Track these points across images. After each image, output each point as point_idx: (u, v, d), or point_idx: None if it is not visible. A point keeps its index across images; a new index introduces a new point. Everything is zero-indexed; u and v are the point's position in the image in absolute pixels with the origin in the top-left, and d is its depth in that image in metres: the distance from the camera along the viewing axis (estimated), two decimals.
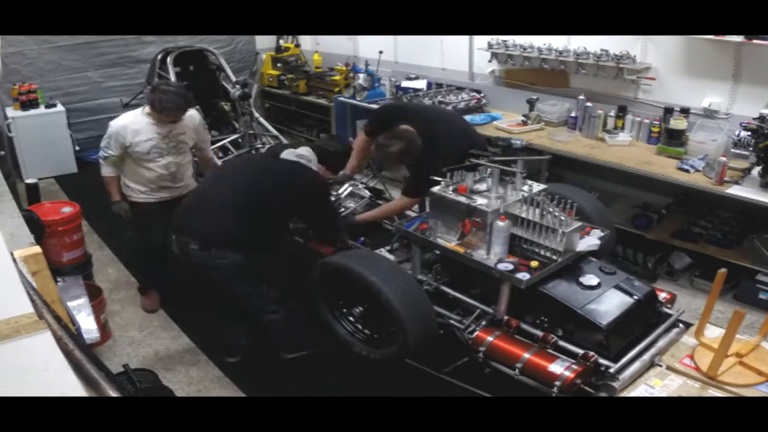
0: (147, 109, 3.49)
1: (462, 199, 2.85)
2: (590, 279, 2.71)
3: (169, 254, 3.56)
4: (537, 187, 2.95)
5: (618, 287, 2.71)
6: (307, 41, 7.49)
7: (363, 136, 3.83)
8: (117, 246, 4.70)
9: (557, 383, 2.43)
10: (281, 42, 7.38)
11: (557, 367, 2.47)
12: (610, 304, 2.62)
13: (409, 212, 3.81)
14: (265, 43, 7.56)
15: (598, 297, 2.64)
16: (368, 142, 3.85)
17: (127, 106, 5.45)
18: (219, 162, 4.31)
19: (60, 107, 6.20)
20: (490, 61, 5.50)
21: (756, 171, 3.65)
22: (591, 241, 2.85)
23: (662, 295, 2.88)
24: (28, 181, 4.26)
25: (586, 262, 2.86)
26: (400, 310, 2.74)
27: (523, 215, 2.76)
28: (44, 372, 1.12)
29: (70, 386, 1.09)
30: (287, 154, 3.14)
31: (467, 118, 4.61)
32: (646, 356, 2.51)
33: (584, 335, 2.57)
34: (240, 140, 4.96)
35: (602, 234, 2.93)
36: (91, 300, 3.05)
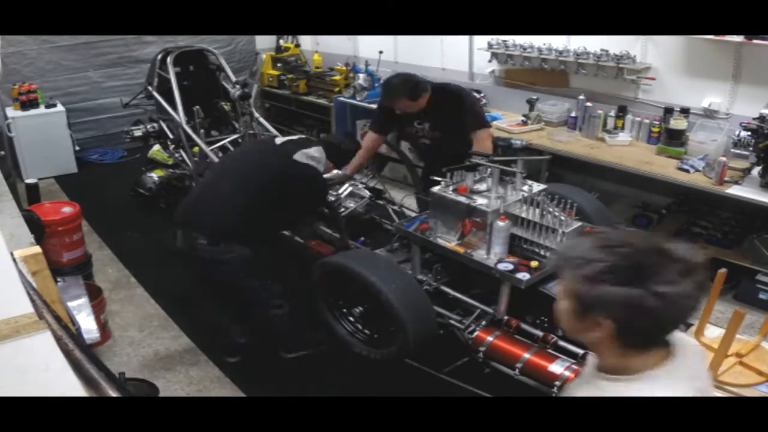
0: None
1: (462, 199, 2.85)
2: None
3: None
4: (537, 187, 2.95)
5: None
6: (307, 41, 7.49)
7: (373, 135, 3.81)
8: (117, 246, 4.70)
9: (557, 383, 2.43)
10: (281, 42, 7.38)
11: (557, 367, 2.47)
12: None
13: (409, 212, 3.81)
14: (265, 43, 7.56)
15: None
16: (377, 141, 3.84)
17: (127, 106, 5.47)
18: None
19: (60, 107, 6.20)
20: (490, 61, 5.49)
21: (756, 171, 3.65)
22: None
23: None
24: (28, 181, 4.26)
25: None
26: (400, 310, 2.74)
27: (523, 215, 2.76)
28: (44, 372, 1.12)
29: (70, 386, 1.09)
30: (300, 156, 3.09)
31: None
32: None
33: None
34: (240, 140, 4.95)
35: None
36: (91, 300, 3.05)
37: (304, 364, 3.27)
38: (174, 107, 4.79)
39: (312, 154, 3.14)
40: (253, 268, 3.03)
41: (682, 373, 1.24)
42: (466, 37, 5.61)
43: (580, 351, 2.50)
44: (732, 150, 3.87)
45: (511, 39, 5.12)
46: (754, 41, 3.74)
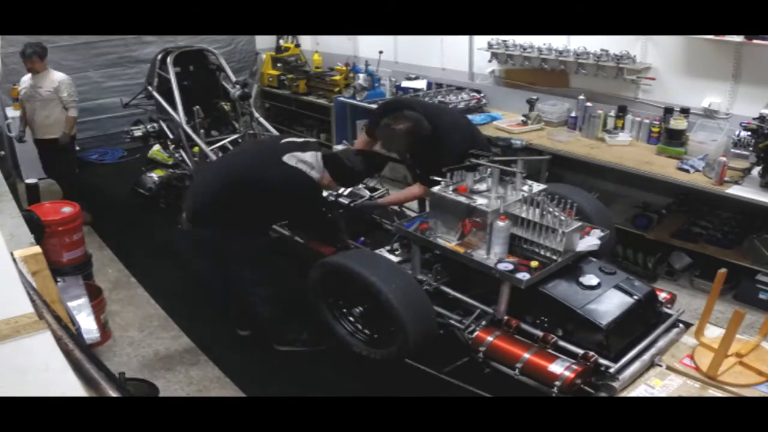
0: None
1: (462, 199, 2.85)
2: (590, 279, 2.71)
3: None
4: (537, 187, 2.95)
5: (618, 287, 2.71)
6: (307, 41, 7.49)
7: (364, 137, 3.82)
8: (117, 246, 4.70)
9: (557, 383, 2.43)
10: (281, 42, 7.38)
11: (557, 367, 2.47)
12: (610, 304, 2.62)
13: (409, 212, 3.82)
14: (265, 43, 7.57)
15: (598, 297, 2.64)
16: (369, 143, 3.84)
17: (127, 106, 5.48)
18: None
19: None
20: (490, 61, 5.50)
21: (756, 171, 3.65)
22: (591, 241, 2.85)
23: (662, 295, 2.88)
24: (28, 181, 4.26)
25: (586, 262, 2.86)
26: (400, 310, 2.74)
27: (523, 215, 2.76)
28: (44, 372, 1.12)
29: (70, 386, 1.09)
30: (290, 158, 3.06)
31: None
32: (646, 356, 2.51)
33: (584, 335, 2.56)
34: (240, 140, 4.96)
35: (602, 234, 2.93)
36: (91, 300, 3.05)
37: (305, 363, 3.28)
38: (174, 107, 4.79)
39: (304, 159, 3.07)
40: (224, 254, 3.17)
41: None
42: (466, 37, 5.61)
43: (580, 351, 2.50)
44: (732, 150, 3.87)
45: (511, 39, 5.12)
46: (754, 41, 3.74)
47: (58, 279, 2.71)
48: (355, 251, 3.34)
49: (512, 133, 4.73)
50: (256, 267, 3.21)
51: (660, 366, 2.46)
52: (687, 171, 3.87)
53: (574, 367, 2.45)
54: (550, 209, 2.72)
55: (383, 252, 3.31)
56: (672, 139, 4.17)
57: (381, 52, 6.04)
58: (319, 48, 7.32)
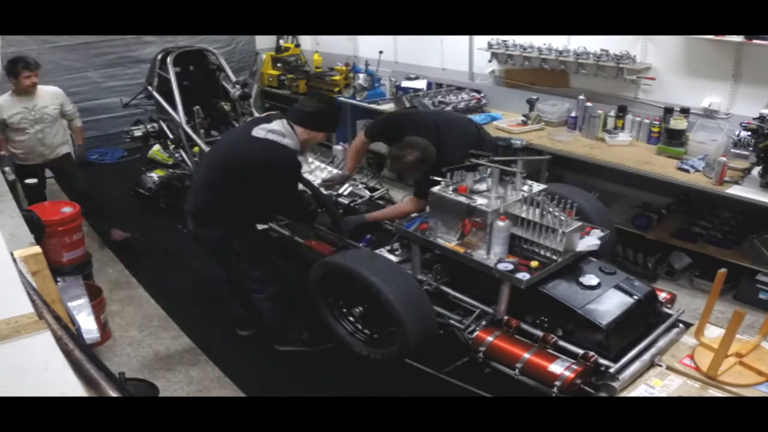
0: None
1: (462, 199, 2.85)
2: (590, 279, 2.71)
3: None
4: (537, 187, 2.95)
5: (618, 287, 2.71)
6: (307, 41, 7.49)
7: (362, 137, 3.82)
8: (117, 246, 4.70)
9: (557, 383, 2.43)
10: (281, 42, 7.38)
11: (557, 367, 2.47)
12: (610, 304, 2.62)
13: None
14: (265, 43, 7.56)
15: (598, 297, 2.64)
16: (366, 144, 3.84)
17: (128, 106, 5.48)
18: None
19: None
20: (490, 61, 5.49)
21: (756, 171, 3.65)
22: (591, 241, 2.85)
23: (662, 295, 2.88)
24: (28, 181, 4.26)
25: (586, 262, 2.86)
26: (400, 310, 2.74)
27: (523, 215, 2.76)
28: (44, 372, 1.12)
29: (70, 386, 1.09)
30: (258, 131, 3.02)
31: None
32: (646, 356, 2.51)
33: (584, 335, 2.56)
34: None
35: (602, 234, 2.93)
36: (91, 300, 3.05)
37: (305, 363, 3.28)
38: (174, 107, 4.79)
39: (272, 128, 3.02)
40: (228, 251, 3.15)
41: None
42: (466, 37, 5.61)
43: (580, 351, 2.50)
44: (732, 150, 3.87)
45: (511, 39, 5.12)
46: (754, 41, 3.74)
47: (58, 279, 2.71)
48: (355, 251, 3.34)
49: (512, 133, 4.73)
50: (261, 266, 3.21)
51: (660, 366, 2.46)
52: (687, 171, 3.87)
53: (574, 367, 2.45)
54: (550, 209, 2.72)
55: (383, 252, 3.31)
56: (672, 139, 4.17)
57: (381, 52, 6.04)
58: (319, 48, 7.32)
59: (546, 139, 4.60)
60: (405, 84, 5.88)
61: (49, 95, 4.39)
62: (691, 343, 2.56)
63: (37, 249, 1.77)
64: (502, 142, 4.47)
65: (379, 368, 3.06)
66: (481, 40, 5.35)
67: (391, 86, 5.96)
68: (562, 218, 2.69)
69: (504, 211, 2.78)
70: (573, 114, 4.79)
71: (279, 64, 7.27)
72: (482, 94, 5.50)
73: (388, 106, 5.67)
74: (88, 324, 2.64)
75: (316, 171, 4.13)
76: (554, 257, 2.70)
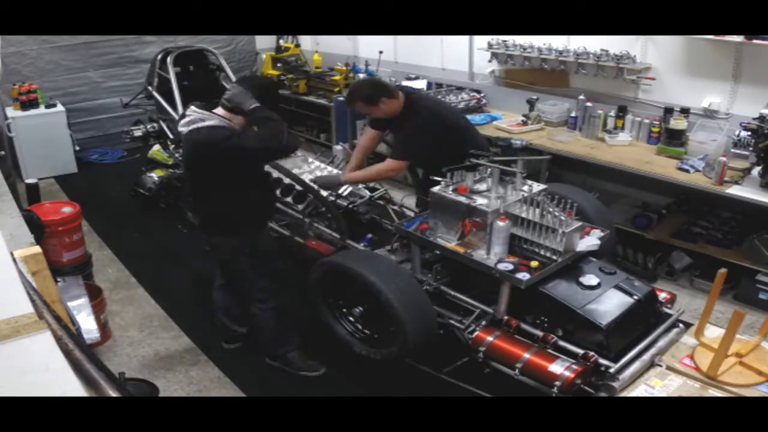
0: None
1: (462, 199, 2.84)
2: (590, 279, 2.71)
3: None
4: (537, 187, 2.95)
5: (618, 287, 2.71)
6: (307, 41, 7.49)
7: (371, 132, 3.78)
8: (117, 246, 4.70)
9: (557, 383, 2.42)
10: (281, 42, 7.38)
11: (557, 367, 2.47)
12: (610, 304, 2.62)
13: (409, 212, 3.80)
14: (265, 43, 7.57)
15: (598, 297, 2.64)
16: (374, 139, 3.80)
17: (128, 106, 5.48)
18: None
19: (60, 107, 6.20)
20: (490, 61, 5.50)
21: (756, 171, 3.65)
22: (591, 241, 2.85)
23: (662, 295, 2.87)
24: (28, 181, 4.26)
25: (586, 262, 2.86)
26: (400, 310, 2.74)
27: (523, 215, 2.76)
28: (44, 372, 1.12)
29: (70, 386, 1.09)
30: (183, 128, 2.96)
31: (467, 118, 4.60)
32: (646, 356, 2.51)
33: (584, 335, 2.56)
34: None
35: (602, 234, 2.93)
36: (91, 300, 3.04)
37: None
38: (174, 107, 4.80)
39: (191, 119, 2.92)
40: (237, 260, 3.11)
41: None
42: (466, 37, 5.61)
43: (580, 351, 2.50)
44: (732, 150, 3.87)
45: (511, 39, 5.12)
46: (754, 41, 3.74)
47: (58, 279, 2.70)
48: (355, 251, 3.34)
49: (512, 133, 4.73)
50: (269, 277, 3.16)
51: (660, 366, 2.46)
52: (687, 171, 3.87)
53: (574, 367, 2.45)
54: (550, 209, 2.72)
55: (383, 252, 3.31)
56: (672, 139, 4.18)
57: (381, 52, 6.04)
58: (319, 48, 7.32)
59: (546, 139, 4.60)
60: (405, 84, 5.87)
61: None
62: (691, 343, 2.56)
63: (37, 249, 1.77)
64: (502, 142, 4.47)
65: (379, 368, 3.06)
66: (481, 40, 5.35)
67: None
68: (562, 218, 2.69)
69: (504, 211, 2.78)
70: (573, 114, 4.79)
71: (279, 64, 7.27)
72: (482, 94, 5.50)
73: None
74: (88, 324, 2.64)
75: (316, 171, 4.12)
76: (554, 257, 2.70)
